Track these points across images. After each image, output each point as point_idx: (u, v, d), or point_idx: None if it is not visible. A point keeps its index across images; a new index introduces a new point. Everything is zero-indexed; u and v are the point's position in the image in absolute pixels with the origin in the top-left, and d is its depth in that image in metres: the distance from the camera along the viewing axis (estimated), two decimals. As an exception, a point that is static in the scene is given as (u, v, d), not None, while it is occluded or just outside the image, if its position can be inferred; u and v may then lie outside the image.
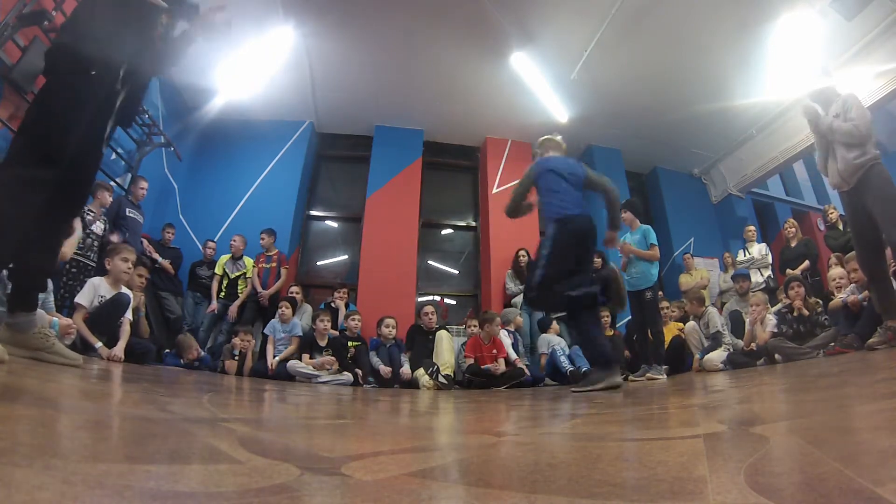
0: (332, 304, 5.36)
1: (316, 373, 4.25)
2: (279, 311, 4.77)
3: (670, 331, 5.00)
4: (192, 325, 5.37)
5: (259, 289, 5.40)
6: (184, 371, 4.09)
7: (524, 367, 4.81)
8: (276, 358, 4.47)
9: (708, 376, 3.80)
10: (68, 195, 1.86)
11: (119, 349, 3.39)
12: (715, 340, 4.55)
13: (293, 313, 4.88)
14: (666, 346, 4.56)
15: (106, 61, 1.79)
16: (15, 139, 1.76)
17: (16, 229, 1.63)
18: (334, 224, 7.26)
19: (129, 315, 3.65)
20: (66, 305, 3.62)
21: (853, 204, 3.16)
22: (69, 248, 3.61)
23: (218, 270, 5.48)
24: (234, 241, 5.53)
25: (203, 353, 4.51)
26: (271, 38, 5.11)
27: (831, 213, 5.79)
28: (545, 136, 3.51)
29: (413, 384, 4.42)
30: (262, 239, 5.59)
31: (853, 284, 3.82)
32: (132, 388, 1.82)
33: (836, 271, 4.26)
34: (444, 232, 7.42)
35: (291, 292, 5.23)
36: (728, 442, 0.83)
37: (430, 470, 0.66)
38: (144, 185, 5.06)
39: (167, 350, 4.58)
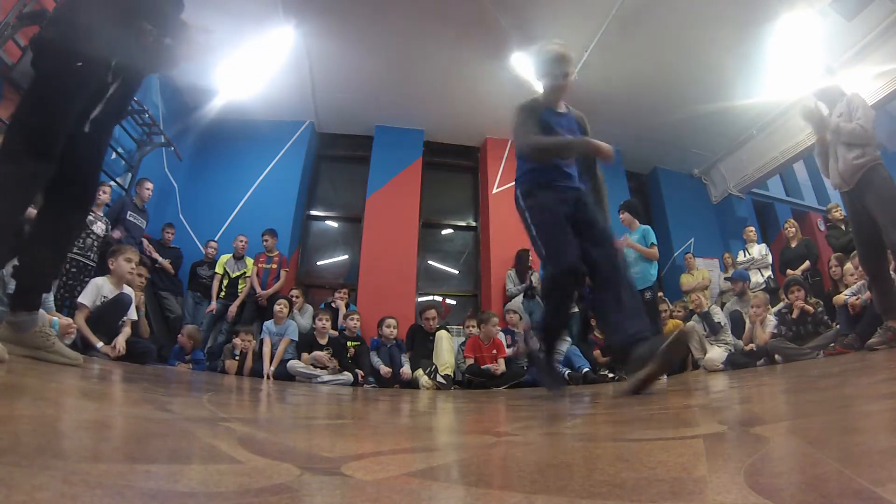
0: (333, 304, 5.36)
1: (316, 373, 4.25)
2: (275, 308, 4.74)
3: (668, 330, 4.97)
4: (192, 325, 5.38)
5: (258, 289, 5.40)
6: (184, 370, 4.09)
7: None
8: (272, 367, 4.38)
9: (708, 376, 3.80)
10: (70, 194, 1.83)
11: (120, 342, 3.39)
12: (713, 330, 4.52)
13: (289, 313, 4.85)
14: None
15: (93, 53, 1.75)
16: (6, 134, 1.74)
17: (6, 225, 1.62)
18: (334, 224, 7.26)
19: (132, 314, 3.65)
20: (65, 305, 3.62)
21: (854, 204, 3.17)
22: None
23: (218, 269, 5.48)
24: (240, 240, 5.55)
25: (200, 354, 4.50)
26: (271, 38, 5.11)
27: (835, 212, 5.74)
28: None
29: (413, 384, 4.42)
30: (266, 240, 5.59)
31: (859, 283, 3.81)
32: (132, 387, 1.82)
33: (848, 266, 4.22)
34: (444, 232, 7.42)
35: (292, 295, 5.22)
36: (728, 442, 0.82)
37: (430, 470, 0.66)
38: (150, 185, 5.07)
39: (176, 347, 4.61)
